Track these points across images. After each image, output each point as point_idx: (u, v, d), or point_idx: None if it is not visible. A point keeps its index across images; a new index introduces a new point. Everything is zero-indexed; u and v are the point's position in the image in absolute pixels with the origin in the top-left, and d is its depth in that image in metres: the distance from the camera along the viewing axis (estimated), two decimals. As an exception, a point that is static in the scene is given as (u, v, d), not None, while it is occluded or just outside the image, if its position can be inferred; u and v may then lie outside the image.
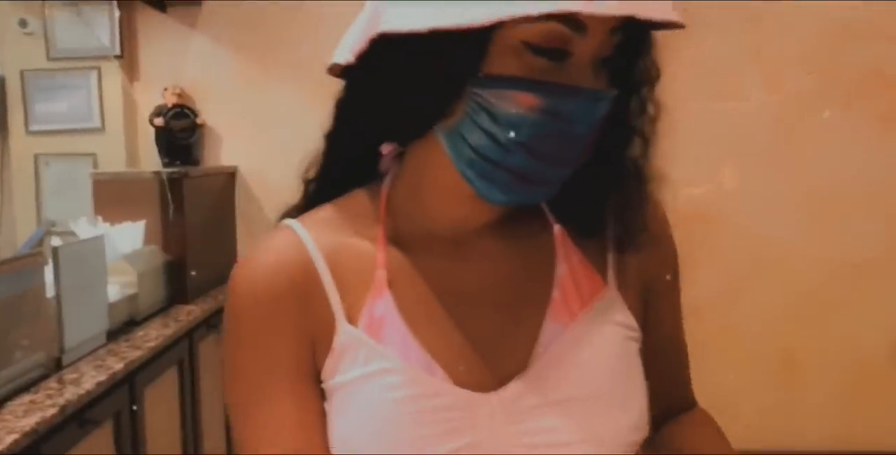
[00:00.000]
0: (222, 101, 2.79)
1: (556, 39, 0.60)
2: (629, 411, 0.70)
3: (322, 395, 0.70)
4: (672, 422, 0.82)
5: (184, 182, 2.43)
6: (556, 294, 0.72)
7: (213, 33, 2.77)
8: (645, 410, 0.72)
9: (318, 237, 0.70)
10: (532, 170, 0.63)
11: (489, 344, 0.70)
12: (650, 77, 0.69)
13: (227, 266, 3.17)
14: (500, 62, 0.62)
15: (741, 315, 1.60)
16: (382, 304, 0.68)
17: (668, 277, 0.80)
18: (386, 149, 0.74)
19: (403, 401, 0.66)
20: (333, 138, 0.75)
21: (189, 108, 2.76)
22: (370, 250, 0.70)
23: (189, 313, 2.28)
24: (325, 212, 0.74)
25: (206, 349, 2.51)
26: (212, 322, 2.53)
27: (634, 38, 0.66)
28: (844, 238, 1.55)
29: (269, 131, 2.79)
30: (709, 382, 1.56)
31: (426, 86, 0.64)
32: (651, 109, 0.69)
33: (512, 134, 0.62)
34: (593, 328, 0.71)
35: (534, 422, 0.67)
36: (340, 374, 0.68)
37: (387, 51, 0.63)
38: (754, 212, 1.57)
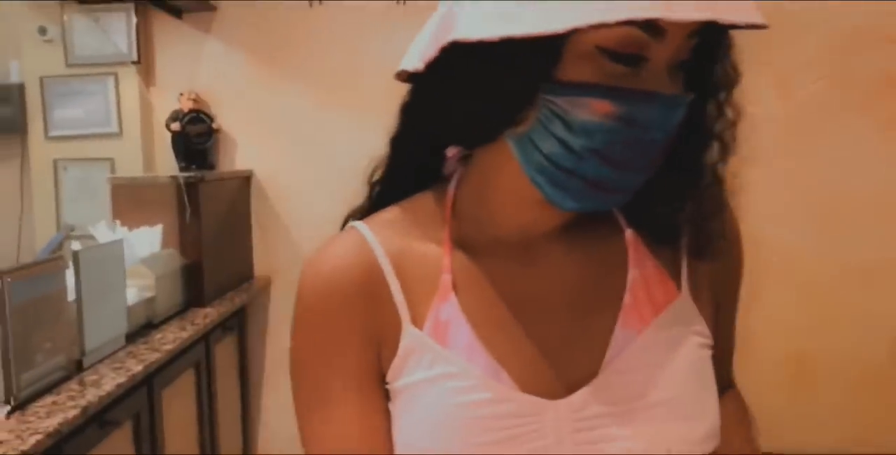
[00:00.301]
0: (237, 105, 2.82)
1: (632, 45, 0.58)
2: (701, 421, 0.69)
3: (387, 397, 0.70)
4: None
5: (200, 186, 2.46)
6: (627, 299, 0.70)
7: (227, 39, 2.80)
8: (717, 419, 0.70)
9: (384, 240, 0.70)
10: (606, 177, 0.61)
11: (558, 350, 0.69)
12: (729, 80, 0.67)
13: (242, 269, 3.19)
14: (573, 68, 0.60)
15: (752, 318, 1.60)
16: (448, 308, 0.68)
17: (735, 285, 0.80)
18: (451, 152, 0.74)
19: (468, 406, 0.65)
20: (399, 142, 0.75)
21: (205, 113, 2.79)
22: (436, 253, 0.70)
23: (206, 316, 2.31)
24: (390, 214, 0.74)
25: (223, 351, 2.54)
26: (228, 324, 2.56)
27: (712, 39, 0.64)
28: (854, 242, 1.55)
29: (284, 135, 2.81)
30: None
31: (498, 93, 0.62)
32: (730, 114, 0.68)
33: (586, 141, 0.60)
34: (666, 335, 0.69)
35: (602, 430, 0.66)
36: (405, 376, 0.68)
37: (458, 56, 0.61)
38: (765, 216, 1.58)
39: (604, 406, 0.66)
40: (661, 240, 0.72)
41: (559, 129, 0.61)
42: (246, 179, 2.84)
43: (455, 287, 0.69)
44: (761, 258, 1.58)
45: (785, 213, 1.58)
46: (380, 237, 0.71)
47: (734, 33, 0.66)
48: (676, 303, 0.71)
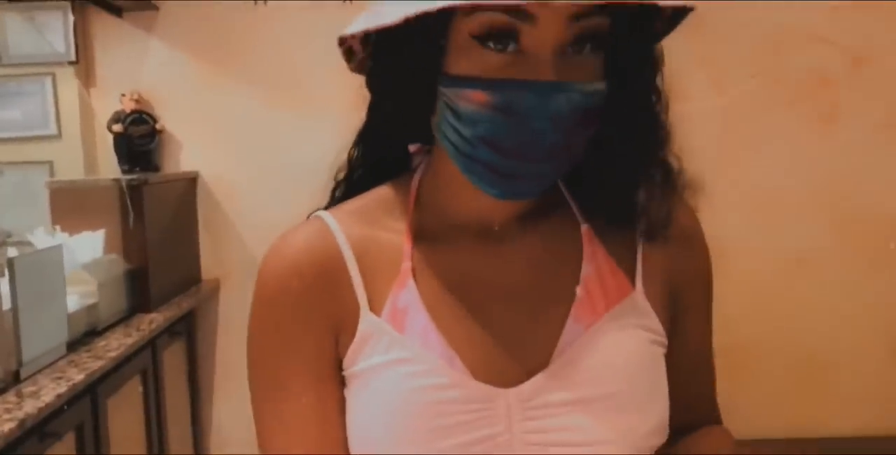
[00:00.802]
0: (181, 106, 2.76)
1: (498, 30, 0.61)
2: (647, 414, 0.69)
3: (343, 383, 0.71)
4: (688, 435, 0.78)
5: (144, 189, 2.40)
6: (580, 293, 0.71)
7: (170, 38, 2.73)
8: (665, 416, 0.71)
9: (346, 227, 0.72)
10: (502, 165, 0.64)
11: (511, 339, 0.70)
12: (649, 66, 0.68)
13: (190, 272, 3.12)
14: (457, 60, 0.64)
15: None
16: (406, 295, 0.69)
17: (698, 288, 0.80)
18: (413, 148, 0.76)
19: (421, 390, 0.66)
20: (363, 140, 0.77)
21: (148, 114, 2.73)
22: (397, 241, 0.72)
23: (152, 322, 2.25)
24: (354, 204, 0.75)
25: (170, 358, 2.48)
26: (175, 329, 2.50)
27: (634, 25, 0.65)
28: (789, 234, 1.59)
29: (230, 136, 2.76)
30: None
31: (406, 87, 0.67)
32: (657, 99, 0.69)
33: (473, 130, 0.63)
34: (616, 329, 0.70)
35: (550, 420, 0.67)
36: (361, 361, 0.69)
37: (375, 55, 0.68)
38: (701, 209, 1.60)
39: (553, 396, 0.67)
40: (615, 223, 0.73)
41: (452, 119, 0.64)
42: (192, 181, 2.78)
43: (414, 274, 0.70)
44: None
45: (720, 205, 1.61)
46: (342, 225, 0.72)
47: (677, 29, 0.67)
48: (629, 298, 0.72)
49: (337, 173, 0.79)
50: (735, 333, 1.59)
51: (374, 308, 0.70)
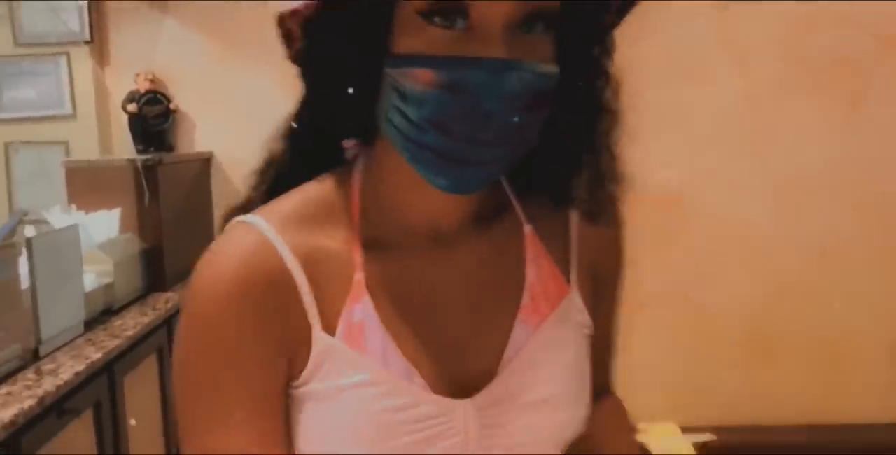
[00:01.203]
0: (195, 86, 2.76)
1: (445, 6, 0.58)
2: (581, 407, 0.72)
3: (287, 409, 0.66)
4: None
5: (158, 169, 2.41)
6: (525, 298, 0.71)
7: (184, 17, 2.73)
8: (590, 406, 0.73)
9: (290, 238, 0.65)
10: (452, 149, 0.60)
11: (465, 347, 0.69)
12: (601, 51, 0.66)
13: (204, 252, 3.14)
14: (404, 39, 0.60)
15: (711, 296, 1.62)
16: (361, 309, 0.65)
17: (617, 277, 0.80)
18: (348, 144, 0.71)
19: (383, 412, 0.64)
20: (294, 132, 0.71)
21: (162, 94, 2.73)
22: (346, 250, 0.67)
23: (167, 301, 2.27)
24: (287, 205, 0.68)
25: (186, 336, 2.49)
26: (191, 309, 2.51)
27: (585, 9, 0.63)
28: (812, 221, 1.58)
29: (244, 116, 2.76)
30: (681, 360, 1.60)
31: (349, 71, 0.63)
32: (608, 81, 0.67)
33: (419, 111, 0.60)
34: (559, 330, 0.72)
35: (507, 425, 0.68)
36: (317, 382, 0.65)
37: (313, 40, 0.63)
38: (724, 194, 1.59)
39: (505, 402, 0.68)
40: (557, 204, 0.72)
41: (399, 102, 0.61)
42: (206, 161, 2.78)
43: (367, 286, 0.66)
44: (719, 236, 1.60)
45: (742, 190, 1.59)
46: (284, 236, 0.65)
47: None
48: (568, 297, 0.73)
49: (262, 167, 0.73)
50: (758, 321, 1.58)
51: (327, 325, 0.65)
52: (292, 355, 0.65)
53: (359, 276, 0.66)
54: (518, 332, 0.70)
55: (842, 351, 1.58)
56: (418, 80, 0.59)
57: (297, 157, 0.72)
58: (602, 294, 0.78)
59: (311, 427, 0.66)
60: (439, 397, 0.66)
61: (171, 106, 2.73)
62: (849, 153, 1.57)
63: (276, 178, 0.72)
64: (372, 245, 0.67)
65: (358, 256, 0.66)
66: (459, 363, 0.69)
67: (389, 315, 0.66)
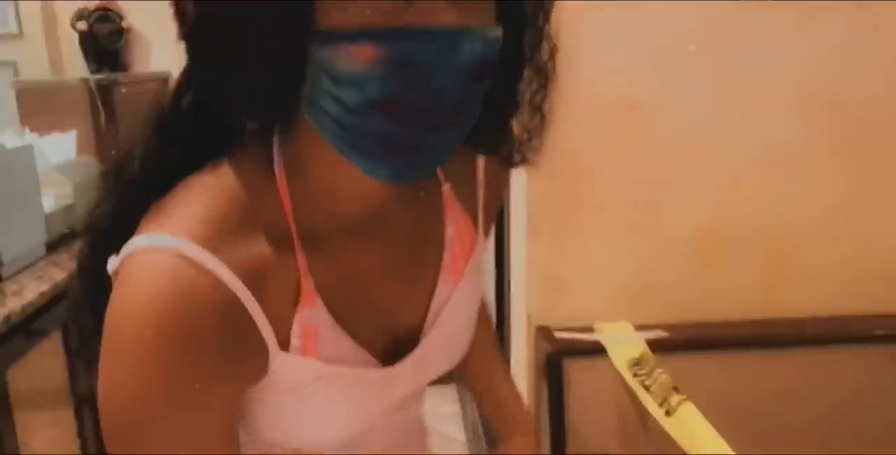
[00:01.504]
0: (149, 3, 2.64)
1: None
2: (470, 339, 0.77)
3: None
4: None
5: (114, 89, 2.32)
6: (446, 258, 0.70)
7: (132, -72, 2.58)
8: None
9: (225, 256, 0.54)
10: (398, 136, 0.53)
11: (399, 316, 0.69)
12: (540, 10, 0.61)
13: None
14: (331, 12, 0.51)
15: (666, 197, 1.64)
16: (313, 313, 0.60)
17: (494, 215, 0.82)
18: (250, 126, 0.62)
19: (344, 399, 0.64)
20: (179, 122, 0.60)
21: (113, 11, 2.61)
22: (285, 255, 0.59)
23: (131, 224, 2.23)
24: (200, 210, 0.56)
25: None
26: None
27: None
28: (762, 123, 1.59)
29: (201, 34, 2.66)
30: (634, 261, 1.63)
31: (263, 52, 0.52)
32: (548, 44, 0.62)
33: (359, 95, 0.51)
34: (472, 280, 0.73)
35: (428, 369, 0.72)
36: (272, 388, 0.61)
37: (214, 14, 0.53)
38: (679, 98, 1.59)
39: (431, 355, 0.71)
40: (487, 152, 0.71)
41: (331, 86, 0.52)
42: (163, 81, 2.69)
43: (316, 287, 0.60)
44: (672, 136, 1.60)
45: (697, 94, 1.59)
46: (219, 254, 0.54)
47: None
48: (477, 247, 0.74)
49: (127, 163, 0.60)
50: (706, 218, 1.61)
51: (281, 338, 0.58)
52: (251, 380, 0.59)
53: (307, 281, 0.60)
54: (440, 293, 0.71)
55: (787, 248, 1.62)
56: (356, 58, 0.50)
57: (176, 148, 0.60)
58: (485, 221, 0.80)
59: (266, 414, 0.63)
60: (388, 370, 0.66)
61: (124, 24, 2.62)
62: (799, 56, 1.58)
63: (157, 177, 0.59)
64: (310, 240, 0.61)
65: (301, 258, 0.59)
66: (397, 330, 0.69)
67: (339, 310, 0.62)
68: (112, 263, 0.57)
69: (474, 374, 0.99)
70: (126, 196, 0.60)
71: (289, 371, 0.60)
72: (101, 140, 2.31)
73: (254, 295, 0.55)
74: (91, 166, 2.25)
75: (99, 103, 2.29)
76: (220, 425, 0.57)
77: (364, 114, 0.52)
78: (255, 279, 0.56)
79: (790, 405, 1.65)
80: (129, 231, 0.57)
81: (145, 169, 0.60)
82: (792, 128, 1.59)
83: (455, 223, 0.72)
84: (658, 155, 1.60)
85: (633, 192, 1.61)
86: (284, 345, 0.59)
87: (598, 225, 1.63)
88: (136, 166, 0.60)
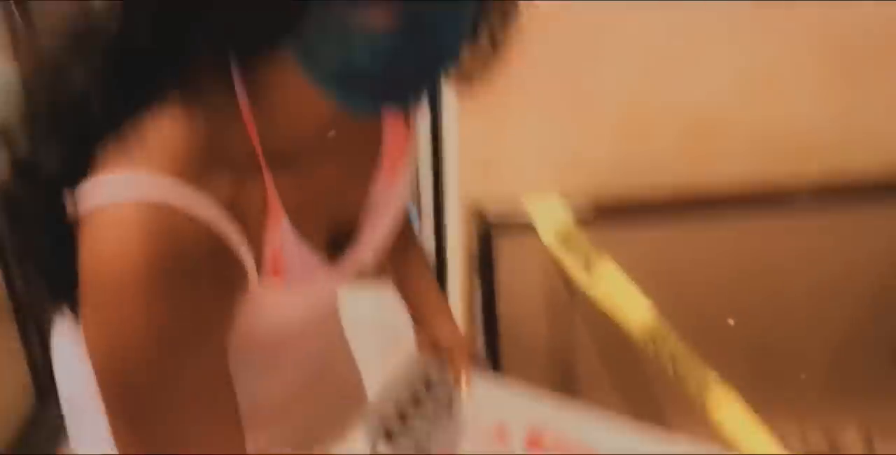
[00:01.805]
0: None
1: None
2: None
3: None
4: None
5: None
6: (385, 161, 0.76)
7: None
8: None
9: (211, 191, 0.56)
10: (393, 92, 0.58)
11: (343, 215, 0.75)
12: None
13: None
14: None
15: (588, 76, 1.63)
16: (280, 232, 0.64)
17: None
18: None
19: (306, 303, 0.74)
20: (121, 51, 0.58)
21: None
22: (252, 176, 0.62)
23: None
24: (182, 140, 0.57)
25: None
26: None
27: None
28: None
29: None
30: (557, 136, 1.63)
31: None
32: None
33: (371, 57, 0.53)
34: (404, 178, 0.80)
35: (361, 268, 0.79)
36: (247, 308, 0.65)
37: None
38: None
39: (364, 253, 0.78)
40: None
41: (338, 42, 0.53)
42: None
43: (283, 205, 0.64)
44: (597, 11, 1.57)
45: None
46: (202, 189, 0.56)
47: None
48: (408, 144, 0.79)
49: (73, 95, 0.60)
50: (634, 98, 1.60)
51: (257, 257, 0.63)
52: (237, 311, 0.64)
53: (274, 200, 0.63)
54: (377, 191, 0.76)
55: (708, 125, 1.64)
56: (370, 18, 0.51)
57: (131, 79, 0.58)
58: None
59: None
60: (334, 269, 0.73)
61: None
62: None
63: (102, 113, 0.58)
64: (273, 161, 0.63)
65: (269, 179, 0.62)
66: (338, 229, 0.74)
67: (300, 223, 0.67)
68: (79, 203, 0.56)
69: (393, 261, 1.04)
70: (82, 132, 0.58)
71: (262, 293, 0.65)
72: (19, 48, 2.22)
73: (234, 224, 0.58)
74: (8, 75, 2.17)
75: (13, 6, 2.19)
76: (219, 361, 0.59)
77: (367, 72, 0.54)
78: (232, 207, 0.58)
79: (710, 274, 1.71)
80: (85, 169, 0.56)
81: (101, 103, 0.58)
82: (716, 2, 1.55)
83: (392, 126, 0.77)
84: (583, 31, 1.56)
85: (556, 67, 1.58)
86: (259, 267, 0.63)
87: (526, 104, 1.61)
88: (90, 101, 0.58)
